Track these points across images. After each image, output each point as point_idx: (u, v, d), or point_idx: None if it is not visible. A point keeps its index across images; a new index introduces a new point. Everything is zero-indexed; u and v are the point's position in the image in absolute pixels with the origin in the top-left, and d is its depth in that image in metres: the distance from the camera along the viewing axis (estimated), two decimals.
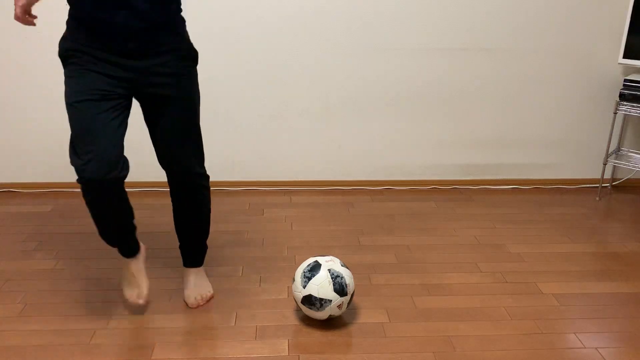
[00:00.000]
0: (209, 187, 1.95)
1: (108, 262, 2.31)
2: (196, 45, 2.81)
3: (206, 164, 3.02)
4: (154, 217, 2.72)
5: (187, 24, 2.90)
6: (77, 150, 1.63)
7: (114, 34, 1.61)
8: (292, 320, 1.94)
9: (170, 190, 1.94)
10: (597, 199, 3.02)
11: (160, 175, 3.03)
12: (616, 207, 2.92)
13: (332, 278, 1.83)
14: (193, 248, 2.04)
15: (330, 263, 1.87)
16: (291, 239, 2.52)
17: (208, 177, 1.94)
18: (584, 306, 2.04)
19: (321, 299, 1.81)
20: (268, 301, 2.05)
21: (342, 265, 1.89)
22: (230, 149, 3.01)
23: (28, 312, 1.97)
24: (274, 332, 1.87)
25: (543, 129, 3.07)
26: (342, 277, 1.84)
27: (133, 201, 2.89)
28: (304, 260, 1.94)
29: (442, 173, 3.13)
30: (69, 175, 3.00)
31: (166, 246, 2.44)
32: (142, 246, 2.00)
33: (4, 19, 2.72)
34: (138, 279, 1.94)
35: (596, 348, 1.82)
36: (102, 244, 2.45)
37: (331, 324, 1.91)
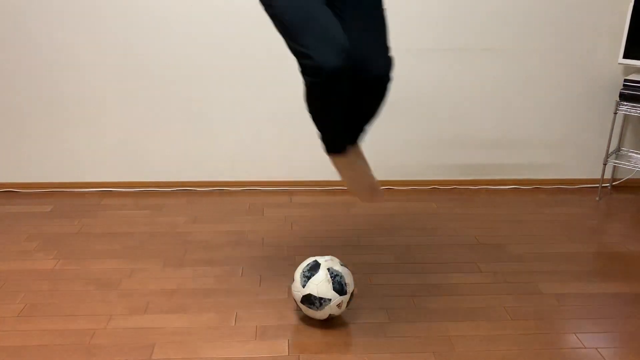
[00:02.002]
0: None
1: (108, 262, 2.31)
2: (196, 45, 2.82)
3: (206, 164, 3.04)
4: (154, 217, 2.72)
5: (186, 23, 2.91)
6: (308, 43, 1.51)
7: None
8: (292, 320, 1.94)
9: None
10: (597, 199, 3.02)
11: (161, 176, 3.04)
12: (616, 207, 2.92)
13: (331, 277, 1.83)
14: (364, 122, 1.83)
15: (329, 262, 1.87)
16: (291, 239, 2.52)
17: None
18: (584, 306, 2.04)
19: (320, 298, 1.81)
20: (268, 301, 2.05)
21: (341, 265, 1.89)
22: (230, 148, 3.01)
23: (28, 312, 1.97)
24: (274, 332, 1.87)
25: (543, 129, 3.07)
26: (341, 276, 1.84)
27: (133, 201, 2.90)
28: (304, 260, 1.94)
29: (442, 173, 3.13)
30: (69, 175, 3.00)
31: (166, 246, 2.44)
32: None
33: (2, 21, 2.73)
34: (365, 169, 1.78)
35: (596, 348, 1.82)
36: (102, 244, 2.45)
37: (331, 323, 1.91)
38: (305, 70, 1.55)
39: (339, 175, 1.86)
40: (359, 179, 1.81)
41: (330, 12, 1.60)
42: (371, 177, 1.81)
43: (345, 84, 1.59)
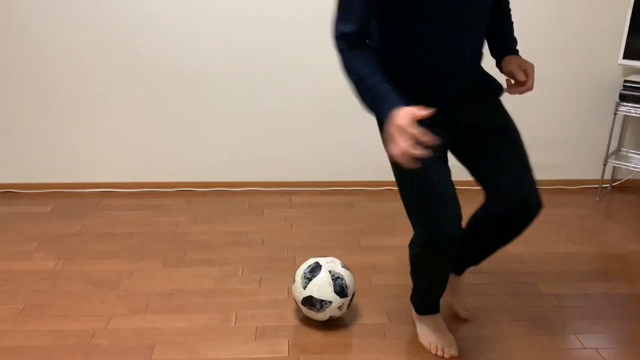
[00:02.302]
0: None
1: (108, 262, 2.31)
2: (196, 45, 2.82)
3: (206, 164, 3.04)
4: (154, 217, 2.72)
5: (187, 23, 2.91)
6: (427, 214, 1.56)
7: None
8: (292, 320, 1.94)
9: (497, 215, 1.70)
10: (597, 199, 3.02)
11: (161, 176, 3.04)
12: (616, 208, 2.92)
13: (332, 279, 1.82)
14: (478, 259, 1.86)
15: (330, 264, 1.87)
16: (291, 239, 2.52)
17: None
18: (584, 306, 2.04)
19: (321, 300, 1.81)
20: (268, 301, 2.05)
21: (342, 266, 1.89)
22: (230, 149, 3.01)
23: (28, 312, 1.96)
24: (274, 332, 1.87)
25: (543, 129, 3.07)
26: (342, 279, 1.84)
27: (133, 201, 2.90)
28: (304, 260, 1.94)
29: None
30: (69, 175, 3.00)
31: (166, 246, 2.44)
32: None
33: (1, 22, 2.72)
34: (444, 333, 1.81)
35: (596, 348, 1.82)
36: (102, 244, 2.45)
37: (331, 324, 1.91)
38: (420, 239, 1.59)
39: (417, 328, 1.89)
40: (439, 337, 1.82)
41: (449, 176, 1.59)
42: (448, 338, 1.82)
43: (453, 249, 1.62)
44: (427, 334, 1.82)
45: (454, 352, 1.77)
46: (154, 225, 2.64)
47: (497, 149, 1.65)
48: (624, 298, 2.10)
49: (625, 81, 2.80)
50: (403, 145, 1.31)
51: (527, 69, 1.57)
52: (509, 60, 1.64)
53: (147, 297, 2.06)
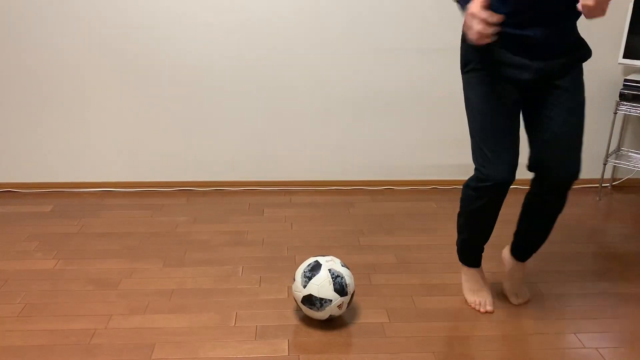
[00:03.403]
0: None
1: (108, 262, 2.31)
2: (196, 45, 2.82)
3: (206, 164, 3.04)
4: (154, 216, 2.72)
5: (187, 23, 2.91)
6: (485, 150, 1.75)
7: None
8: (292, 320, 1.94)
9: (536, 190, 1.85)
10: (597, 199, 3.01)
11: (161, 176, 3.04)
12: (616, 207, 2.92)
13: (332, 278, 1.82)
14: (533, 243, 1.97)
15: (330, 263, 1.87)
16: (291, 239, 2.52)
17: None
18: (584, 306, 2.04)
19: (321, 299, 1.81)
20: (268, 301, 2.05)
21: (342, 265, 1.89)
22: (230, 148, 3.01)
23: (28, 312, 1.97)
24: (274, 332, 1.87)
25: None
26: (342, 277, 1.84)
27: (133, 201, 2.90)
28: (304, 260, 1.94)
29: (442, 173, 3.13)
30: (69, 175, 3.00)
31: (166, 246, 2.44)
32: None
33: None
34: (486, 286, 2.00)
35: (596, 348, 1.82)
36: (102, 244, 2.45)
37: (331, 324, 1.91)
38: (472, 179, 1.79)
39: (463, 282, 2.06)
40: (476, 291, 2.02)
41: (515, 124, 1.74)
42: (485, 294, 2.01)
43: (501, 201, 1.79)
44: (466, 286, 2.02)
45: (489, 308, 1.96)
46: (154, 225, 2.64)
47: (557, 113, 1.72)
48: (624, 298, 2.10)
49: (626, 80, 2.80)
50: (476, 28, 1.44)
51: None
52: None
53: (147, 297, 2.06)
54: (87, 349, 1.78)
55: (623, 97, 2.80)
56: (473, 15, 1.45)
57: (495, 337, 1.86)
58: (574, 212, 2.85)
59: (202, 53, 2.83)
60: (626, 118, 3.06)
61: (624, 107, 2.82)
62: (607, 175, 3.16)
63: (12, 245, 2.43)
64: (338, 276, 1.84)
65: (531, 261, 2.35)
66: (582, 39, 1.78)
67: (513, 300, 2.03)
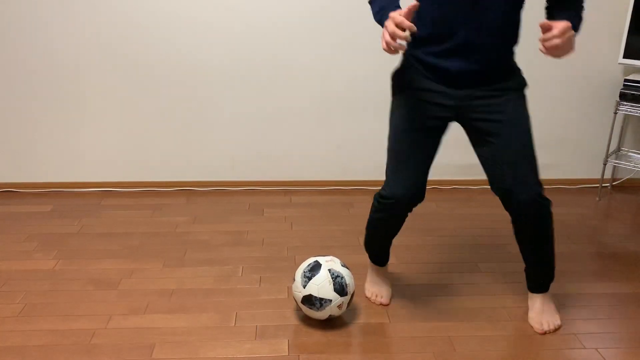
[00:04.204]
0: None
1: (108, 262, 2.31)
2: (196, 45, 2.82)
3: (206, 164, 3.04)
4: (154, 217, 2.72)
5: (187, 24, 2.91)
6: (392, 170, 1.81)
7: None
8: (292, 320, 1.94)
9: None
10: (597, 199, 3.02)
11: (161, 176, 3.04)
12: (616, 207, 2.92)
13: (332, 278, 1.83)
14: (537, 273, 1.92)
15: (330, 263, 1.87)
16: (291, 239, 2.52)
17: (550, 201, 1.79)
18: (584, 306, 2.04)
19: (321, 299, 1.81)
20: (268, 301, 2.05)
21: (342, 265, 1.89)
22: (230, 148, 3.01)
23: (28, 312, 1.97)
24: (274, 332, 1.87)
25: (543, 129, 3.07)
26: (342, 277, 1.84)
27: (133, 201, 2.90)
28: (304, 260, 1.94)
29: (442, 173, 3.13)
30: (69, 175, 3.00)
31: (166, 246, 2.44)
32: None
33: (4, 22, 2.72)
34: (384, 283, 2.09)
35: (596, 348, 1.82)
36: (102, 244, 2.45)
37: (331, 324, 1.91)
38: (379, 192, 1.85)
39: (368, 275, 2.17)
40: (376, 284, 2.11)
41: (428, 152, 1.80)
42: (384, 289, 2.10)
43: (402, 216, 1.88)
44: (368, 278, 2.13)
45: (384, 300, 2.05)
46: (154, 225, 2.64)
47: (500, 142, 1.73)
48: (624, 298, 2.10)
49: (626, 80, 2.80)
50: (389, 29, 1.44)
51: (556, 25, 1.51)
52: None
53: (147, 296, 2.06)
54: (87, 349, 1.78)
55: (623, 97, 2.80)
56: (391, 19, 1.45)
57: (495, 337, 1.86)
58: (574, 212, 2.85)
59: (202, 53, 2.83)
60: (626, 118, 3.07)
61: (624, 107, 2.82)
62: (607, 175, 3.16)
63: (12, 245, 2.43)
64: (338, 276, 1.84)
65: None
66: (517, 69, 1.79)
67: (538, 328, 1.92)
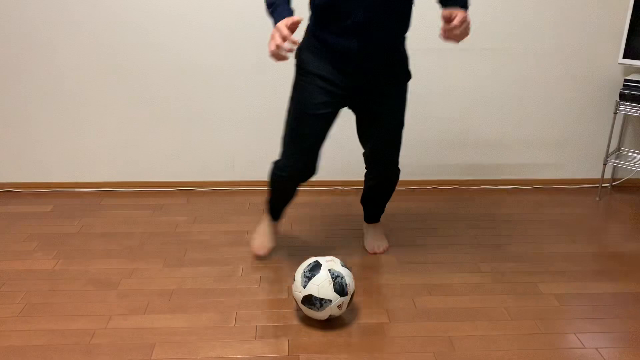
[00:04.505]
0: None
1: (108, 262, 2.31)
2: (196, 45, 2.82)
3: (206, 164, 3.04)
4: (154, 217, 2.72)
5: (186, 23, 2.91)
6: (289, 149, 2.03)
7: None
8: (292, 320, 1.94)
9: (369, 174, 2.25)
10: (597, 199, 3.02)
11: (161, 176, 3.04)
12: (616, 207, 2.92)
13: (332, 278, 1.83)
14: (377, 210, 2.39)
15: (330, 263, 1.87)
16: (291, 239, 2.52)
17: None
18: (584, 306, 2.04)
19: (321, 299, 1.81)
20: (268, 301, 2.05)
21: (342, 265, 1.89)
22: (230, 148, 3.01)
23: (28, 312, 1.97)
24: (274, 332, 1.87)
25: (543, 129, 3.07)
26: (342, 277, 1.84)
27: (133, 201, 2.90)
28: (304, 260, 1.94)
29: (442, 173, 3.13)
30: (69, 175, 3.00)
31: (166, 246, 2.44)
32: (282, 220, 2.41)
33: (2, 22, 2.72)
34: (270, 236, 2.32)
35: (596, 348, 1.82)
36: (102, 244, 2.46)
37: (331, 324, 1.91)
38: (276, 163, 2.08)
39: (259, 227, 2.40)
40: (262, 237, 2.35)
41: (321, 131, 2.00)
42: (268, 241, 2.35)
43: (296, 187, 2.15)
44: (258, 231, 2.36)
45: (262, 253, 2.29)
46: (154, 225, 2.64)
47: (380, 129, 2.05)
48: (624, 298, 2.10)
49: (626, 80, 2.80)
50: (276, 42, 1.61)
51: (456, 15, 1.69)
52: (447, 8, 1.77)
53: (147, 297, 2.06)
54: (87, 349, 1.78)
55: (623, 97, 2.80)
56: (277, 30, 1.61)
57: (495, 337, 1.86)
58: (574, 212, 2.85)
59: (203, 53, 2.83)
60: (626, 118, 3.07)
61: (624, 107, 2.82)
62: (607, 175, 3.16)
63: (12, 245, 2.43)
64: (338, 276, 1.84)
65: (531, 261, 2.35)
66: (406, 60, 2.01)
67: (369, 250, 2.38)
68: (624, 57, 2.78)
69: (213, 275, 2.22)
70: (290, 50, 1.61)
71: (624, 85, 2.80)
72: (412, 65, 2.93)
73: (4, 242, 2.46)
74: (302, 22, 1.63)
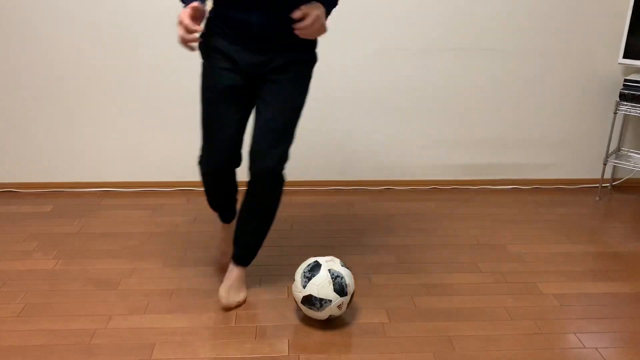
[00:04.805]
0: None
1: (108, 262, 2.31)
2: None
3: None
4: (154, 216, 2.72)
5: None
6: (205, 144, 1.92)
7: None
8: (292, 320, 1.94)
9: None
10: (597, 199, 3.02)
11: (161, 176, 3.04)
12: (616, 207, 2.92)
13: (332, 278, 1.82)
14: (249, 245, 2.05)
15: (330, 263, 1.87)
16: (291, 239, 2.52)
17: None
18: (584, 306, 2.04)
19: (321, 299, 1.81)
20: (268, 301, 2.05)
21: (342, 265, 1.89)
22: None
23: (28, 312, 1.97)
24: (274, 332, 1.87)
25: (543, 129, 3.07)
26: (342, 277, 1.84)
27: (133, 201, 2.90)
28: (304, 260, 1.94)
29: (442, 173, 3.13)
30: (69, 175, 3.00)
31: (166, 246, 2.44)
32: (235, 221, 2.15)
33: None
34: (226, 242, 2.22)
35: (596, 348, 1.82)
36: (102, 244, 2.45)
37: (331, 324, 1.91)
38: (199, 159, 1.97)
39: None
40: (222, 245, 2.25)
41: (233, 116, 1.84)
42: (225, 245, 2.24)
43: (226, 180, 1.99)
44: (220, 236, 2.26)
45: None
46: (154, 225, 2.64)
47: (266, 107, 1.84)
48: (624, 298, 2.10)
49: (626, 80, 2.80)
50: (180, 33, 1.58)
51: (308, 12, 1.69)
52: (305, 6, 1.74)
53: (147, 297, 2.06)
54: (87, 349, 1.78)
55: (623, 97, 2.80)
56: (180, 22, 1.58)
57: (495, 337, 1.86)
58: (574, 212, 2.85)
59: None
60: (626, 118, 3.07)
61: (624, 107, 2.82)
62: (607, 175, 3.16)
63: (12, 245, 2.43)
64: (338, 276, 1.84)
65: (531, 261, 2.35)
66: (312, 43, 1.87)
67: (222, 301, 1.98)
68: (624, 57, 2.78)
69: (213, 275, 2.21)
70: (194, 40, 1.58)
71: (624, 85, 2.80)
72: (412, 65, 2.95)
73: (4, 242, 2.46)
74: (206, 6, 1.59)
